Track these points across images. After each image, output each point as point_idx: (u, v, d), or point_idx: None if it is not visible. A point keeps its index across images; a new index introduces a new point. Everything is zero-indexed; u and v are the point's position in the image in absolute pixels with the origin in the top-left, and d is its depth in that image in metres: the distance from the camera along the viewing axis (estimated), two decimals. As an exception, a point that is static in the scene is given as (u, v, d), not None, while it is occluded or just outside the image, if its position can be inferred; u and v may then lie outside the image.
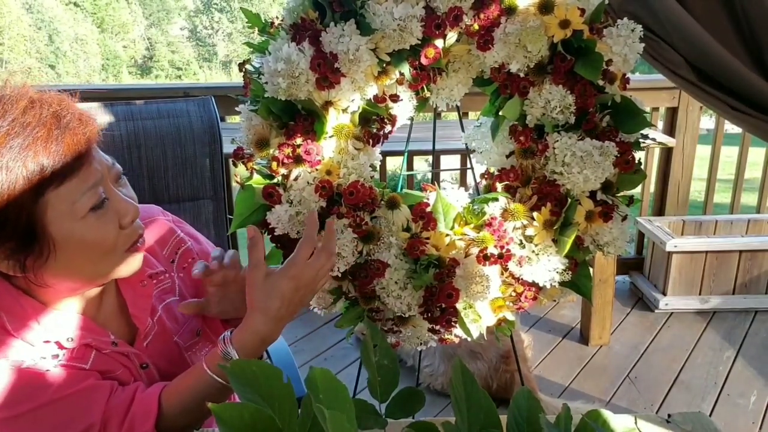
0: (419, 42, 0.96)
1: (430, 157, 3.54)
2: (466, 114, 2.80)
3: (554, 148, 1.00)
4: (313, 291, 0.90)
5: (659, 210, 3.07)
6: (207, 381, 0.86)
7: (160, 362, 0.96)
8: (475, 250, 1.00)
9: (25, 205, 0.76)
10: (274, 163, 0.96)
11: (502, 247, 1.00)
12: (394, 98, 0.99)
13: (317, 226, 0.91)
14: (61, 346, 0.85)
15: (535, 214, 1.01)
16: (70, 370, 0.85)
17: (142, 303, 0.94)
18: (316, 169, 0.97)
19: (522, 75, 0.99)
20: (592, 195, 1.02)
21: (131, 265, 0.88)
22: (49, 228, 0.78)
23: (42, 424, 0.81)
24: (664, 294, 2.81)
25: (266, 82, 0.94)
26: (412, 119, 1.10)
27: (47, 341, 0.84)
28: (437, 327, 1.03)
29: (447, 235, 1.02)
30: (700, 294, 2.80)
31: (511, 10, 0.97)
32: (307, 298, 0.90)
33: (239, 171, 0.99)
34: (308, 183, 0.97)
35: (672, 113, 2.90)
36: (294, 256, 0.88)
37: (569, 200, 1.00)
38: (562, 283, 1.04)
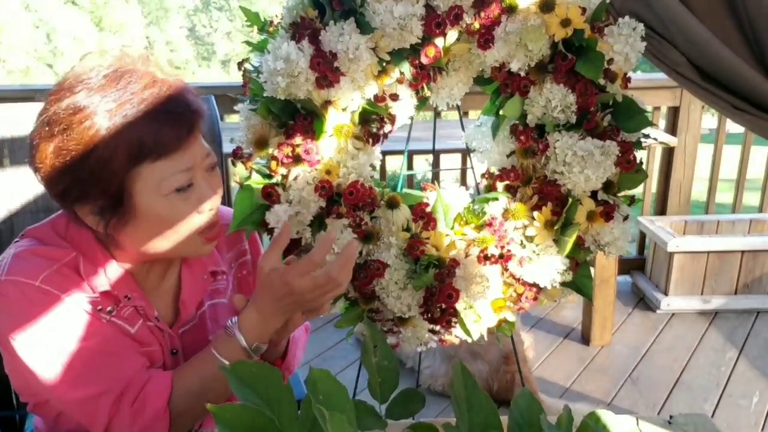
0: (419, 41, 0.95)
1: (430, 157, 3.54)
2: (466, 113, 2.80)
3: (555, 148, 0.99)
4: (312, 302, 0.88)
5: (661, 210, 3.06)
6: (213, 362, 0.89)
7: (189, 354, 0.98)
8: (475, 251, 1.00)
9: (120, 171, 0.83)
10: (274, 163, 0.95)
11: (502, 248, 1.00)
12: (394, 97, 0.99)
13: (328, 250, 0.88)
14: (117, 301, 0.90)
15: (535, 213, 1.00)
16: (117, 329, 0.90)
17: (195, 294, 0.99)
18: (316, 169, 0.97)
19: (523, 74, 0.99)
20: (593, 195, 1.01)
21: (200, 250, 0.93)
22: (135, 197, 0.84)
23: (71, 364, 0.85)
24: (666, 294, 2.80)
25: (265, 81, 0.93)
26: (412, 118, 1.10)
27: (106, 291, 0.90)
28: (437, 328, 1.02)
29: (447, 235, 1.01)
30: (702, 294, 2.80)
31: (511, 9, 0.97)
32: (302, 305, 0.89)
33: (238, 171, 0.98)
34: (308, 183, 0.97)
35: (674, 112, 2.90)
36: (297, 264, 0.86)
37: (570, 200, 1.00)
38: (563, 284, 1.03)
